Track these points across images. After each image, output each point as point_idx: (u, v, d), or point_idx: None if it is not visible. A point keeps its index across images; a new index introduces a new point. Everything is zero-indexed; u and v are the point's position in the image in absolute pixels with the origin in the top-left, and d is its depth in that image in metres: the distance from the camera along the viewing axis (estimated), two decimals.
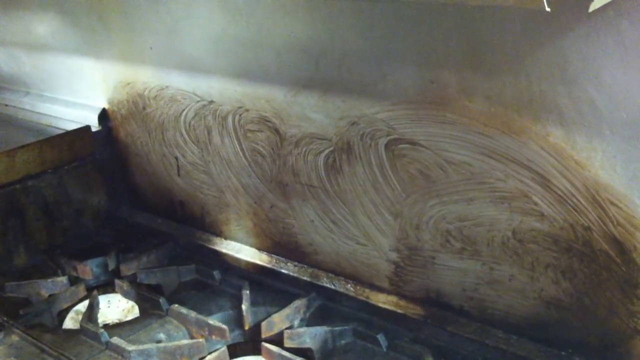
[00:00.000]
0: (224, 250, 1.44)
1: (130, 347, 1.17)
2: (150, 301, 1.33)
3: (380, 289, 1.22)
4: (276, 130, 1.25)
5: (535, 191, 0.97)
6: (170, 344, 1.20)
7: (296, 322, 1.24)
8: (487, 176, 1.01)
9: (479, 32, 0.93)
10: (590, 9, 0.59)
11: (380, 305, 1.20)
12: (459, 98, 0.99)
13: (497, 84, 0.94)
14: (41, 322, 1.32)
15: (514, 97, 0.93)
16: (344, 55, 1.09)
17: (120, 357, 1.17)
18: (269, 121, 1.25)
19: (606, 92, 0.85)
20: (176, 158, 1.47)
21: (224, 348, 1.19)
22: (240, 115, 1.29)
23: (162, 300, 1.31)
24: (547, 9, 0.56)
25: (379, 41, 1.04)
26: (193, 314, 1.25)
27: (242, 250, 1.42)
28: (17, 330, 1.27)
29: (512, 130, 0.95)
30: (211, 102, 1.33)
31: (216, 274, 1.39)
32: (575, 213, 0.94)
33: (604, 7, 0.78)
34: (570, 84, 0.87)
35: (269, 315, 1.24)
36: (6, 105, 1.79)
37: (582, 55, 0.84)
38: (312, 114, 1.18)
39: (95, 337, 1.22)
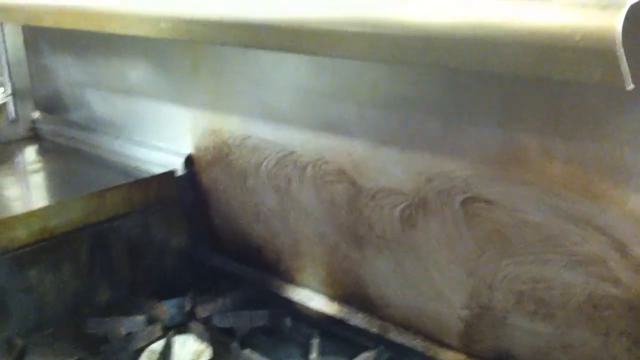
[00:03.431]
0: (296, 298, 1.47)
1: None
2: (223, 344, 1.36)
3: (449, 346, 1.21)
4: (353, 183, 1.28)
5: (612, 257, 0.96)
6: None
7: None
8: (563, 239, 1.01)
9: (561, 97, 0.95)
10: None
11: None
12: (539, 160, 1.00)
13: (578, 147, 0.95)
14: (118, 359, 1.37)
15: (595, 161, 0.94)
16: (426, 112, 1.12)
17: None
18: (346, 173, 1.29)
19: None
20: (255, 204, 1.52)
21: None
22: (319, 166, 1.33)
23: (234, 344, 1.34)
24: (630, 87, 0.58)
25: (461, 100, 1.07)
26: None
27: (313, 298, 1.45)
28: None
29: (591, 195, 0.96)
30: (292, 152, 1.38)
31: (287, 321, 1.41)
32: None
33: None
34: None
35: None
36: (96, 146, 1.89)
37: None
38: (390, 168, 1.21)
39: None
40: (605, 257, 0.96)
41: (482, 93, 1.04)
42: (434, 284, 1.20)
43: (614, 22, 0.58)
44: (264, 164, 1.46)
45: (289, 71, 1.30)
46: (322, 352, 1.30)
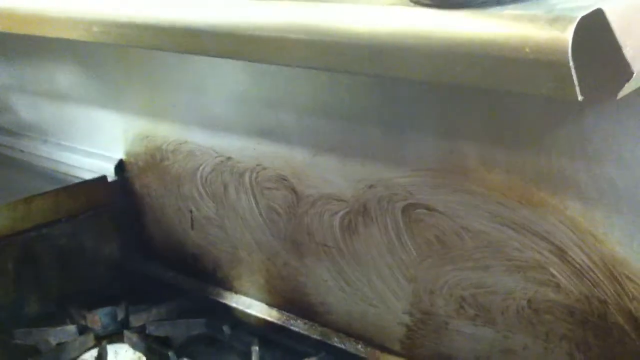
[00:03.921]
0: (234, 305, 1.45)
1: None
2: (159, 354, 1.33)
3: (391, 352, 1.22)
4: (293, 190, 1.27)
5: (551, 262, 0.98)
6: None
7: None
8: (503, 245, 1.02)
9: (500, 107, 0.96)
10: (619, 96, 0.61)
11: None
12: (478, 169, 1.01)
13: (517, 157, 0.96)
14: None
15: (534, 170, 0.95)
16: (365, 120, 1.11)
17: None
18: (286, 180, 1.27)
19: (626, 171, 0.87)
20: (191, 211, 1.49)
21: None
22: (257, 173, 1.31)
23: (170, 353, 1.31)
24: (580, 98, 0.58)
25: (401, 108, 1.07)
26: None
27: (252, 305, 1.43)
28: None
29: (530, 202, 0.97)
30: (229, 158, 1.35)
31: (226, 328, 1.39)
32: (592, 286, 0.95)
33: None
34: (590, 162, 0.89)
35: None
36: (23, 151, 1.81)
37: (604, 134, 0.86)
38: (330, 175, 1.20)
39: None
40: (545, 263, 0.98)
41: (422, 102, 1.04)
42: (376, 290, 1.20)
43: (565, 34, 0.58)
44: (200, 170, 1.43)
45: (227, 77, 1.27)
46: None
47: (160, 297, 1.51)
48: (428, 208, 1.09)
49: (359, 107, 1.12)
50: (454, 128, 1.02)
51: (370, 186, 1.15)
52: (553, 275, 0.98)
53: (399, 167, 1.10)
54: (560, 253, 0.97)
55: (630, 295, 0.92)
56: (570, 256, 0.96)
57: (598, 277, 0.94)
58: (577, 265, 0.96)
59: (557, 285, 0.98)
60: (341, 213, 1.20)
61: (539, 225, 0.98)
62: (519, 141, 0.95)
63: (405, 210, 1.11)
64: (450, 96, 1.00)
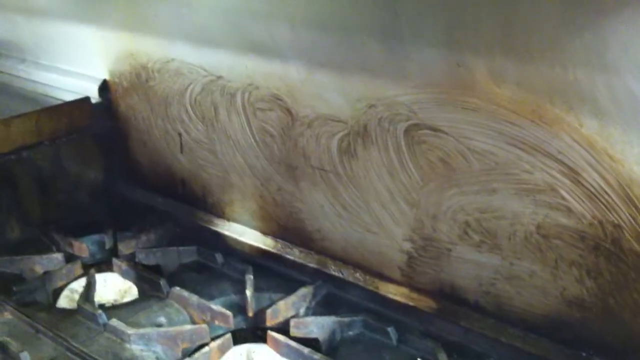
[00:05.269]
0: (226, 233, 1.39)
1: (130, 331, 1.13)
2: (150, 282, 1.28)
3: (391, 280, 1.17)
4: (288, 110, 1.19)
5: (563, 185, 0.92)
6: (172, 328, 1.15)
7: (302, 311, 1.20)
8: (512, 167, 0.96)
9: (513, 14, 0.87)
10: None
11: (390, 296, 1.16)
12: (487, 83, 0.93)
13: (530, 70, 0.89)
14: (35, 299, 1.27)
15: (547, 84, 0.88)
16: (365, 33, 1.03)
17: (119, 340, 1.13)
18: (280, 100, 1.20)
19: None
20: (179, 134, 1.42)
21: (228, 335, 1.14)
22: (250, 92, 1.24)
23: (162, 282, 1.26)
24: None
25: (403, 19, 0.98)
26: (195, 298, 1.20)
27: (245, 233, 1.37)
28: (10, 308, 1.21)
29: (542, 120, 0.90)
30: (219, 77, 1.27)
31: (218, 256, 1.34)
32: (606, 210, 0.90)
33: None
34: (608, 73, 0.82)
35: (273, 302, 1.19)
36: (1, 72, 1.72)
37: (624, 41, 0.79)
38: (327, 94, 1.12)
39: (93, 318, 1.17)
40: (556, 185, 0.93)
41: (425, 12, 0.95)
42: (375, 215, 1.15)
43: None
44: (189, 90, 1.34)
45: None
46: (257, 288, 1.24)
47: (148, 224, 1.46)
48: (432, 128, 1.02)
49: (359, 19, 1.03)
50: (461, 40, 0.94)
51: (371, 105, 1.07)
52: (564, 199, 0.93)
53: (402, 84, 1.03)
54: (573, 174, 0.91)
55: None
56: (584, 178, 0.90)
57: (613, 200, 0.89)
58: (591, 188, 0.90)
59: (569, 209, 0.93)
60: (339, 135, 1.13)
61: (551, 145, 0.91)
62: (531, 52, 0.88)
63: (407, 131, 1.05)
64: (458, 5, 0.92)
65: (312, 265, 1.26)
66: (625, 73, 0.81)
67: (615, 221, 0.89)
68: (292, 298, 1.19)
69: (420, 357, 1.07)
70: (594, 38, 0.81)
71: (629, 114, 0.83)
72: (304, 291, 1.21)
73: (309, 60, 1.13)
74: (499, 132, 0.95)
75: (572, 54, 0.84)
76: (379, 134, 1.08)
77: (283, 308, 1.18)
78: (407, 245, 1.13)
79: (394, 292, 1.16)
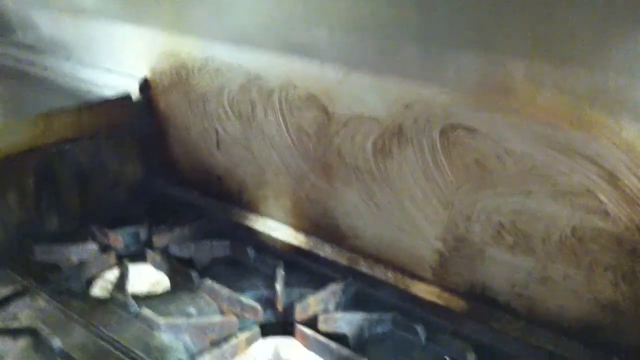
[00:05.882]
0: (260, 228, 1.41)
1: (161, 320, 1.14)
2: (182, 274, 1.30)
3: (422, 279, 1.18)
4: (324, 109, 1.21)
5: (601, 188, 0.92)
6: (201, 319, 1.17)
7: (331, 307, 1.21)
8: (549, 169, 0.96)
9: (550, 20, 0.88)
10: None
11: (421, 295, 1.16)
12: (526, 86, 0.94)
13: (569, 74, 0.89)
14: (69, 288, 1.29)
15: (587, 88, 0.88)
16: (401, 35, 1.04)
17: (149, 329, 1.14)
18: (317, 99, 1.21)
19: None
20: (217, 131, 1.44)
21: (257, 328, 1.15)
22: (287, 91, 1.25)
23: (194, 274, 1.28)
24: None
25: (441, 22, 0.99)
26: (226, 291, 1.22)
27: (278, 229, 1.39)
28: (45, 295, 1.24)
29: (581, 123, 0.91)
30: (257, 76, 1.29)
31: (250, 251, 1.36)
32: None
33: None
34: None
35: (303, 297, 1.20)
36: (45, 68, 1.76)
37: None
38: (364, 94, 1.14)
39: (125, 307, 1.19)
40: (593, 188, 0.93)
41: (464, 14, 0.96)
42: (408, 215, 1.16)
43: None
44: (227, 89, 1.37)
45: None
46: (287, 284, 1.25)
47: (184, 218, 1.48)
48: (468, 129, 1.02)
49: (396, 21, 1.04)
50: (498, 43, 0.95)
51: (407, 106, 1.08)
52: (601, 202, 0.93)
53: (439, 85, 1.03)
54: (611, 178, 0.91)
55: None
56: (622, 181, 0.90)
57: None
58: (629, 191, 0.90)
59: (605, 212, 0.93)
60: (375, 134, 1.15)
61: (589, 148, 0.91)
62: (571, 56, 0.88)
63: (443, 131, 1.05)
64: (495, 8, 0.92)
65: (343, 262, 1.27)
66: None
67: None
68: (322, 294, 1.20)
69: (449, 357, 1.07)
70: (635, 44, 0.82)
71: None
72: (334, 287, 1.22)
73: (346, 61, 1.14)
74: (537, 134, 0.96)
75: (612, 59, 0.85)
76: (414, 134, 1.09)
77: (312, 303, 1.19)
78: (440, 245, 1.13)
79: (425, 291, 1.16)
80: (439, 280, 1.15)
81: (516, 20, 0.91)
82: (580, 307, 1.00)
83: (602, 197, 0.92)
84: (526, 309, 1.06)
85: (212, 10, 1.29)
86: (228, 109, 1.39)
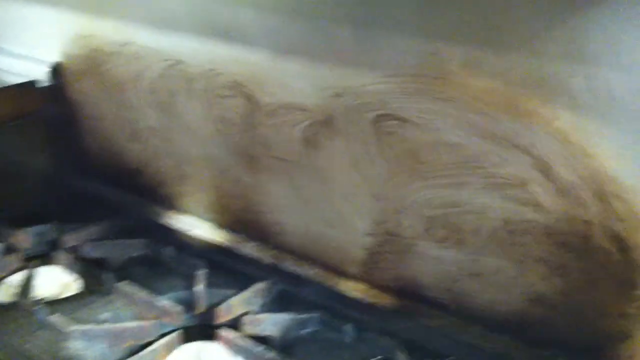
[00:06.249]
0: (179, 226, 1.33)
1: (72, 327, 1.06)
2: (95, 276, 1.22)
3: (350, 276, 1.14)
4: (250, 97, 1.15)
5: (534, 179, 0.90)
6: (116, 325, 1.09)
7: (256, 307, 1.15)
8: (482, 160, 0.94)
9: (487, 4, 0.86)
10: None
11: (349, 293, 1.12)
12: (461, 73, 0.91)
13: (506, 60, 0.87)
14: None
15: (524, 76, 0.86)
16: (334, 19, 1.00)
17: (59, 338, 1.06)
18: (243, 86, 1.15)
19: (626, 76, 0.79)
20: (133, 121, 1.36)
21: (177, 332, 1.08)
22: (211, 78, 1.19)
23: (108, 276, 1.20)
24: None
25: (374, 5, 0.95)
26: (142, 293, 1.14)
27: (199, 226, 1.32)
28: None
29: (516, 112, 0.89)
30: (179, 61, 1.22)
31: (169, 250, 1.29)
32: (576, 205, 0.88)
33: None
34: (587, 65, 0.81)
35: (226, 298, 1.14)
36: None
37: (605, 34, 0.78)
38: (292, 81, 1.09)
39: (32, 313, 1.11)
40: (526, 179, 0.91)
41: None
42: (337, 209, 1.11)
43: None
44: (146, 75, 1.29)
45: None
46: (209, 284, 1.18)
47: (97, 215, 1.39)
48: (401, 119, 0.99)
49: (326, 4, 0.99)
50: (434, 28, 0.92)
51: (338, 94, 1.04)
52: (534, 193, 0.91)
53: (371, 72, 1.00)
54: (545, 168, 0.89)
55: (618, 215, 0.85)
56: (556, 172, 0.88)
57: (584, 195, 0.87)
58: (562, 182, 0.88)
59: (538, 204, 0.91)
60: (303, 124, 1.10)
61: (523, 138, 0.89)
62: (509, 42, 0.86)
63: (375, 121, 1.02)
64: None
65: (268, 260, 1.21)
66: (604, 65, 0.80)
67: (585, 217, 0.88)
68: (246, 294, 1.15)
69: (379, 356, 1.03)
70: (573, 30, 0.80)
71: (605, 108, 0.82)
72: (259, 287, 1.16)
73: (274, 46, 1.09)
74: (471, 124, 0.93)
75: (550, 45, 0.83)
76: (345, 124, 1.05)
77: (236, 304, 1.13)
78: (369, 241, 1.10)
79: (353, 289, 1.12)
80: (369, 277, 1.12)
81: (454, 6, 0.88)
82: (511, 301, 0.98)
83: (535, 189, 0.90)
84: (457, 304, 1.04)
85: None
86: (147, 96, 1.31)
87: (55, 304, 1.16)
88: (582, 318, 0.93)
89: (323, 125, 1.08)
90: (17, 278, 1.24)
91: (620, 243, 0.86)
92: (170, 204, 1.37)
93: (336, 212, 1.12)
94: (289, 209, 1.18)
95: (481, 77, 0.90)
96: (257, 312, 1.14)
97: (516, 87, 0.88)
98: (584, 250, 0.90)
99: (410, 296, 1.08)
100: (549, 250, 0.92)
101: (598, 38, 0.79)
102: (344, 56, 1.02)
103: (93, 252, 1.30)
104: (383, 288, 1.10)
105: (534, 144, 0.89)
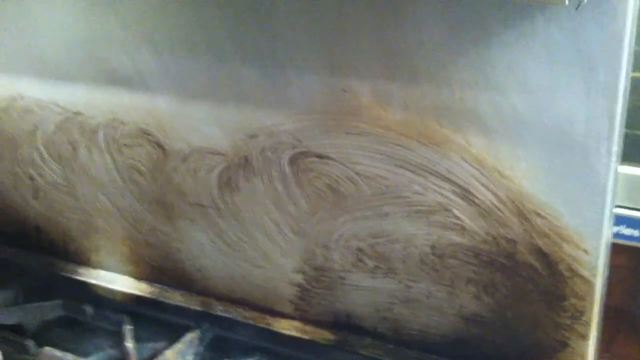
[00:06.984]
0: (93, 282, 1.27)
1: None
2: (14, 344, 1.14)
3: (283, 315, 1.12)
4: (159, 145, 1.11)
5: (455, 204, 0.92)
6: None
7: (191, 358, 1.12)
8: (403, 190, 0.95)
9: (393, 37, 0.86)
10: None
11: (284, 332, 1.11)
12: (374, 107, 0.92)
13: (416, 92, 0.88)
14: None
15: (434, 105, 0.88)
16: (240, 58, 0.97)
17: None
18: (149, 134, 1.11)
19: (530, 99, 0.82)
20: (32, 178, 1.28)
21: None
22: (114, 128, 1.14)
23: (28, 342, 1.13)
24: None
25: (280, 44, 0.94)
26: (70, 357, 1.08)
27: (116, 280, 1.27)
28: None
29: (431, 141, 0.90)
30: (77, 113, 1.16)
31: (87, 308, 1.22)
32: (499, 226, 0.91)
33: (533, 13, 0.75)
34: (493, 92, 0.83)
35: (157, 352, 1.10)
36: None
37: (509, 62, 0.80)
38: (202, 126, 1.06)
39: None
40: (448, 205, 0.93)
41: (303, 35, 0.92)
42: (261, 250, 1.10)
43: None
44: (40, 129, 1.22)
45: (63, 16, 1.06)
46: (138, 339, 1.14)
47: (3, 280, 1.30)
48: (319, 155, 0.99)
49: (233, 44, 0.97)
50: (342, 64, 0.91)
51: (252, 135, 1.02)
52: (457, 218, 0.93)
53: (283, 111, 0.98)
54: (465, 193, 0.91)
55: (540, 232, 0.88)
56: (475, 196, 0.91)
57: (505, 215, 0.90)
58: (483, 205, 0.91)
59: (462, 228, 0.93)
60: (219, 168, 1.07)
61: (440, 166, 0.91)
62: (416, 74, 0.87)
63: (293, 159, 1.01)
64: (336, 28, 0.89)
65: (195, 307, 1.18)
66: (509, 92, 0.82)
67: (509, 236, 0.91)
68: (179, 346, 1.11)
69: None
70: (478, 58, 0.82)
71: (514, 131, 0.85)
72: (191, 336, 1.13)
73: (178, 91, 1.05)
74: (388, 155, 0.94)
75: (457, 74, 0.85)
76: (262, 165, 1.03)
77: (171, 357, 1.09)
78: (298, 277, 1.09)
79: (288, 327, 1.11)
80: (302, 313, 1.11)
81: (358, 40, 0.88)
82: (445, 323, 1.00)
83: (458, 213, 0.93)
84: (393, 332, 1.05)
85: (17, 41, 1.14)
86: (44, 151, 1.24)
87: None
88: (517, 332, 0.96)
89: (240, 167, 1.06)
90: None
91: (546, 258, 0.89)
92: (81, 260, 1.31)
93: (261, 252, 1.10)
94: (211, 253, 1.15)
95: (393, 109, 0.91)
96: None
97: (428, 116, 0.89)
98: (511, 268, 0.92)
99: (347, 328, 1.08)
100: (478, 270, 0.95)
101: (502, 67, 0.81)
102: (253, 97, 1.00)
103: (6, 318, 1.22)
104: (318, 323, 1.10)
105: (452, 171, 0.90)
